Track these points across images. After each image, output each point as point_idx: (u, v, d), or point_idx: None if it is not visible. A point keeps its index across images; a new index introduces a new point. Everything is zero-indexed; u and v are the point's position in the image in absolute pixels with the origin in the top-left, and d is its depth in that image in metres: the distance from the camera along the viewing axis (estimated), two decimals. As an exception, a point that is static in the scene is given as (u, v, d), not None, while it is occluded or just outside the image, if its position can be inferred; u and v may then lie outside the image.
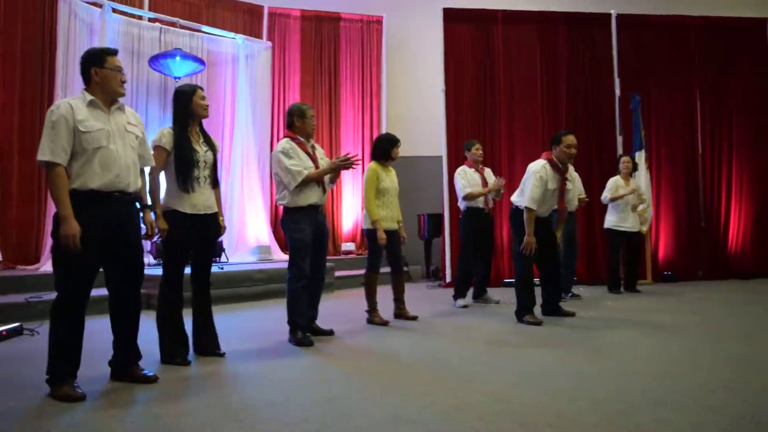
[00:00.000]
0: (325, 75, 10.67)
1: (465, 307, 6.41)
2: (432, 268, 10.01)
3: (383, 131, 10.64)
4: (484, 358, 3.89)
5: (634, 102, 8.87)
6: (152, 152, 3.63)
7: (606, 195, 7.62)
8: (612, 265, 7.65)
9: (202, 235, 3.89)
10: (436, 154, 9.36)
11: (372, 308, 5.43)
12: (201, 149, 3.89)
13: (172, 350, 3.81)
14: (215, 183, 4.00)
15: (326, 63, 10.68)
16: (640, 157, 8.59)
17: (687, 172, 9.44)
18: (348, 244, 10.34)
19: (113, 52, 3.29)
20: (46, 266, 7.11)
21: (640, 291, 7.63)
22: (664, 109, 9.48)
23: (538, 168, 5.33)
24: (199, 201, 3.85)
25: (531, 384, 3.19)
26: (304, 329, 4.47)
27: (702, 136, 9.58)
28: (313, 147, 4.63)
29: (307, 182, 4.45)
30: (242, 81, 9.66)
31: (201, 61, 8.78)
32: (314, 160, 4.56)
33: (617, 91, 9.26)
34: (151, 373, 3.35)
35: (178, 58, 8.42)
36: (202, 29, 9.44)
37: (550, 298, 5.63)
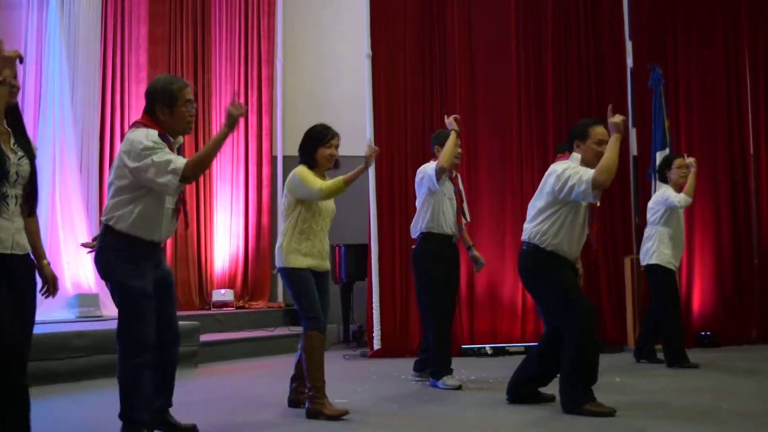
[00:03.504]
0: (188, 28, 10.68)
1: (458, 388, 6.36)
2: (353, 328, 10.03)
3: (277, 117, 10.81)
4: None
5: (653, 76, 9.09)
6: None
7: (680, 198, 7.33)
8: (671, 324, 7.54)
9: (7, 289, 3.66)
10: (359, 153, 9.42)
11: (318, 390, 5.25)
12: (13, 155, 3.73)
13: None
14: (32, 208, 3.92)
15: (189, 9, 10.70)
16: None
17: (733, 184, 9.67)
18: (222, 291, 10.13)
19: None
20: None
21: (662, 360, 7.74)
22: (697, 88, 9.76)
23: (568, 163, 5.29)
24: (4, 234, 3.67)
25: None
26: (147, 426, 4.47)
27: (755, 128, 9.88)
28: (179, 149, 4.55)
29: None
30: (55, 35, 9.52)
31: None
32: None
33: (629, 62, 9.63)
34: None
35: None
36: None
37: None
